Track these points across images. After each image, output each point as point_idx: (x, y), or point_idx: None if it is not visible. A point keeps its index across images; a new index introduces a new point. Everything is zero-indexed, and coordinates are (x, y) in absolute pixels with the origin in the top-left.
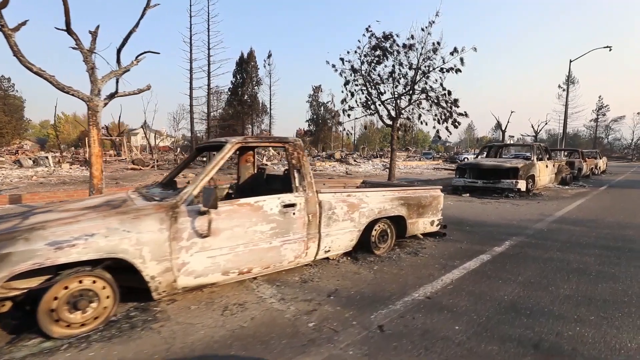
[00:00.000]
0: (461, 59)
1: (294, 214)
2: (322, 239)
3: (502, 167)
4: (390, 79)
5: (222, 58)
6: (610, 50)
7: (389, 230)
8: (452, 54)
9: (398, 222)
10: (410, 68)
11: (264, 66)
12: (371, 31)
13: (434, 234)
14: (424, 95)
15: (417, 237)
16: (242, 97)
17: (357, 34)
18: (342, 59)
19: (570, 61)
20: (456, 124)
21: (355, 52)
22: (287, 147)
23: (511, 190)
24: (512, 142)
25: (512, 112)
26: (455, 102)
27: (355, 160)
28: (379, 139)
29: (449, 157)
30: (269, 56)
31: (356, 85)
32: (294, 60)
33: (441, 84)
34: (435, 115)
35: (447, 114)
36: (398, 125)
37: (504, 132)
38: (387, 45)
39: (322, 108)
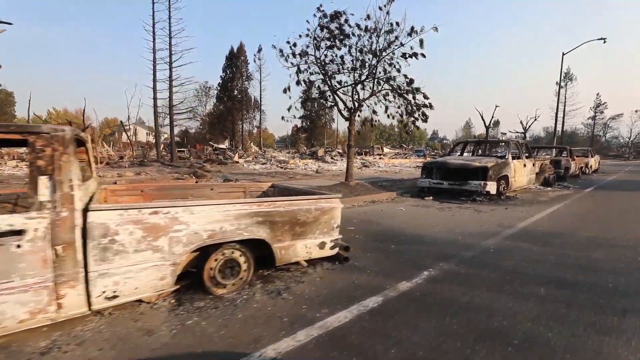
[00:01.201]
0: (420, 41)
1: (18, 246)
2: (93, 280)
3: (469, 166)
4: (341, 66)
5: (186, 48)
6: (604, 42)
7: (242, 260)
8: (410, 34)
9: (261, 247)
10: (363, 52)
11: (254, 61)
12: (323, 10)
13: (332, 258)
14: (387, 86)
15: (309, 263)
16: (231, 93)
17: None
18: (289, 43)
19: (563, 54)
20: (422, 117)
21: (307, 35)
22: (32, 142)
23: (479, 194)
24: (518, 140)
25: (496, 106)
26: (416, 92)
27: (333, 158)
28: (375, 136)
29: (443, 154)
30: (259, 50)
31: (311, 74)
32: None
33: (398, 70)
34: (399, 107)
35: (412, 106)
36: (358, 118)
37: (487, 128)
38: (335, 26)
39: (315, 104)
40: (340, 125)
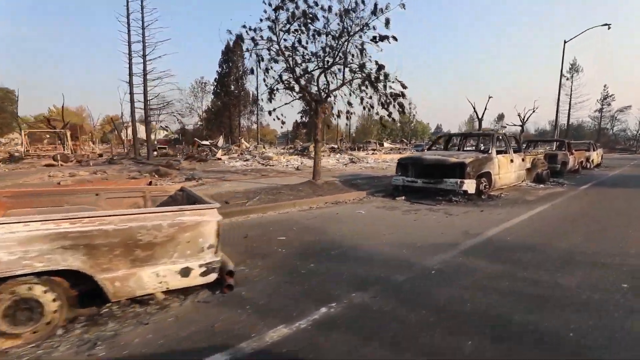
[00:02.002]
0: (386, 21)
1: None
2: None
3: (445, 162)
4: (304, 51)
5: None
6: (609, 28)
7: (48, 298)
8: (374, 13)
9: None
10: (326, 35)
11: (250, 55)
12: None
13: (216, 285)
14: (357, 75)
15: (182, 292)
16: (228, 88)
17: None
18: (246, 27)
19: (565, 42)
20: (398, 108)
21: (268, 18)
22: None
23: (456, 193)
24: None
25: (489, 97)
26: (386, 79)
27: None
28: (377, 131)
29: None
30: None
31: (274, 61)
32: None
33: (360, 51)
34: (370, 97)
35: (386, 96)
36: (333, 111)
37: (480, 120)
38: (294, 6)
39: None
40: (341, 120)
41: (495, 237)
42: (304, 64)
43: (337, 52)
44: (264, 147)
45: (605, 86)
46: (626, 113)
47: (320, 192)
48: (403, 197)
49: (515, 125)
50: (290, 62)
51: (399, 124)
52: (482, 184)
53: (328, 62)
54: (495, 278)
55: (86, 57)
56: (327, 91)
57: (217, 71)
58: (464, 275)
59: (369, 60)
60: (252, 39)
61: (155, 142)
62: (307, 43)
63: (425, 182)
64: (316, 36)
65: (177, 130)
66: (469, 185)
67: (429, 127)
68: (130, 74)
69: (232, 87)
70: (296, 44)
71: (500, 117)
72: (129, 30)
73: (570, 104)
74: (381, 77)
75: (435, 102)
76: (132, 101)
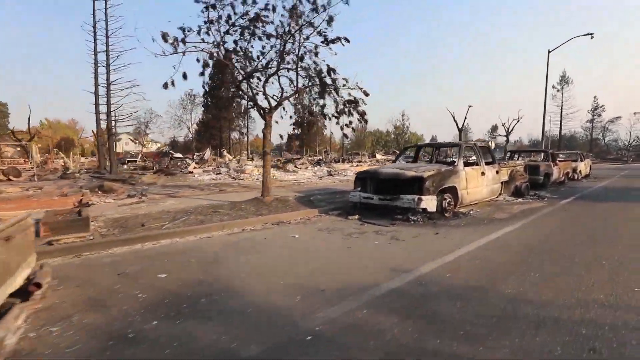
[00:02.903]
0: (329, 19)
1: None
2: None
3: (402, 176)
4: (246, 54)
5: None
6: (592, 37)
7: None
8: (315, 10)
9: None
10: (267, 37)
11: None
12: None
13: None
14: (309, 82)
15: None
16: (218, 100)
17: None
18: (183, 28)
19: (549, 51)
20: (358, 117)
21: (206, 22)
22: None
23: (415, 211)
24: (493, 144)
25: (469, 106)
26: (334, 82)
27: (296, 167)
28: (371, 142)
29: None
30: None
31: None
32: None
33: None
34: (324, 105)
35: (340, 103)
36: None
37: (460, 130)
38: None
39: (307, 111)
40: (335, 132)
41: (429, 275)
42: (249, 68)
43: (281, 56)
44: (252, 159)
45: (595, 97)
46: (617, 123)
47: (263, 212)
48: (356, 216)
49: (500, 135)
50: (230, 65)
51: (393, 136)
52: (445, 200)
53: (272, 67)
54: (391, 350)
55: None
56: (277, 99)
57: (207, 83)
58: (349, 343)
59: (315, 63)
60: (182, 40)
61: (125, 154)
62: (247, 44)
63: (382, 199)
64: (255, 37)
65: (167, 143)
66: (428, 202)
67: (423, 138)
68: (96, 84)
69: (222, 98)
70: (237, 47)
71: (494, 128)
72: (95, 39)
73: (561, 114)
74: (338, 83)
75: (429, 114)
76: (97, 112)
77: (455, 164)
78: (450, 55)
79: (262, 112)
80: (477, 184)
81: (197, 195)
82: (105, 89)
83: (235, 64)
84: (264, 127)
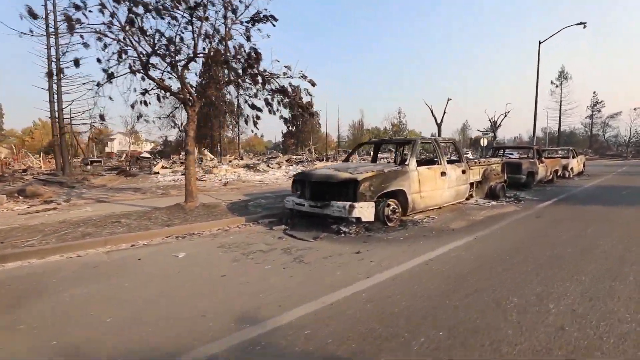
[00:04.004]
0: None
1: None
2: None
3: (334, 178)
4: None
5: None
6: (585, 27)
7: None
8: None
9: None
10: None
11: (284, 73)
12: None
13: None
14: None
15: None
16: (208, 99)
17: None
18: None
19: (540, 42)
20: (298, 110)
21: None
22: None
23: (348, 222)
24: (485, 140)
25: (449, 99)
26: (259, 72)
27: (269, 166)
28: (368, 139)
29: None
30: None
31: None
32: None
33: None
34: (255, 95)
35: (276, 93)
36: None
37: (439, 125)
38: None
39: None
40: (330, 129)
41: (284, 328)
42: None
43: (197, 37)
44: (241, 158)
45: (594, 93)
46: (617, 119)
47: (175, 221)
48: (283, 227)
49: (488, 131)
50: (130, 43)
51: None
52: (389, 207)
53: (184, 50)
54: None
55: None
56: (200, 89)
57: (196, 82)
58: None
59: (240, 48)
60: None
61: (89, 155)
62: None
63: (312, 206)
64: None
65: (159, 143)
66: (363, 211)
67: (420, 135)
68: (50, 79)
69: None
70: (138, 24)
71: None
72: (47, 31)
73: (560, 110)
74: (273, 71)
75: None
76: (52, 110)
77: (406, 163)
78: (448, 51)
79: (188, 104)
80: (436, 186)
81: (131, 199)
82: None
83: (140, 45)
84: (186, 121)
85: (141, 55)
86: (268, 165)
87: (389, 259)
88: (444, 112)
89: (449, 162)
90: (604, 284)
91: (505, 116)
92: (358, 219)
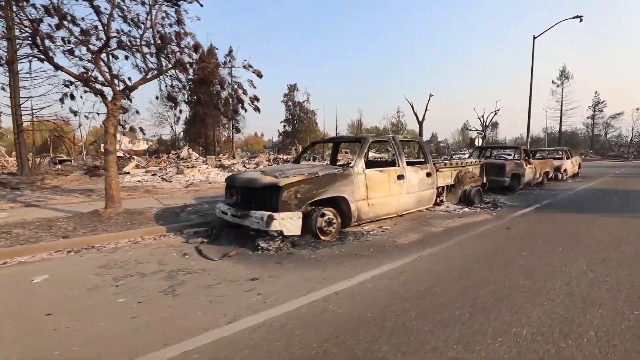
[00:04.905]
0: None
1: None
2: None
3: (256, 183)
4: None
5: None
6: (581, 20)
7: None
8: None
9: None
10: None
11: (225, 63)
12: None
13: None
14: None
15: None
16: (202, 97)
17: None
18: None
19: (534, 37)
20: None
21: None
22: None
23: (270, 236)
24: (479, 140)
25: (430, 95)
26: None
27: (245, 166)
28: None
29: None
30: (230, 52)
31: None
32: (272, 58)
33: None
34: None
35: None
36: (120, 107)
37: (421, 123)
38: None
39: (297, 107)
40: (328, 128)
41: None
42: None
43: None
44: (232, 157)
45: (596, 92)
46: (619, 119)
47: (79, 231)
48: (199, 240)
49: (476, 130)
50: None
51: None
52: (324, 217)
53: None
54: None
55: None
56: (120, 80)
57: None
58: None
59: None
60: None
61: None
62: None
63: (234, 215)
64: None
65: (155, 142)
66: (286, 223)
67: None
68: (11, 73)
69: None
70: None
71: (494, 125)
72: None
73: (561, 110)
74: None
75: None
76: (12, 105)
77: (351, 164)
78: (449, 50)
79: (105, 96)
80: (390, 191)
81: (64, 203)
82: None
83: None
84: (106, 117)
85: (40, 37)
86: (244, 165)
87: (286, 291)
88: (426, 110)
89: (413, 163)
90: (551, 345)
91: (496, 114)
92: (280, 233)
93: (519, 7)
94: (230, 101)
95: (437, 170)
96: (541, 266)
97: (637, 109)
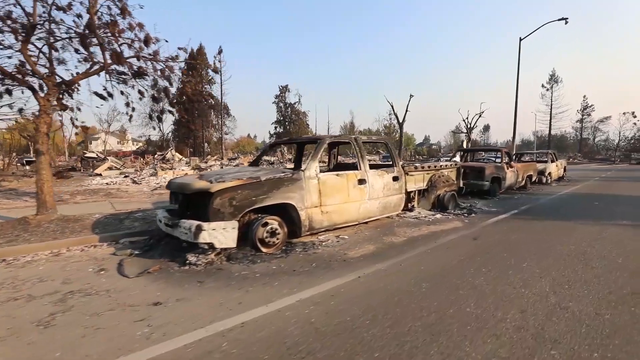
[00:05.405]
0: None
1: None
2: None
3: (188, 188)
4: None
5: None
6: (566, 23)
7: None
8: None
9: None
10: None
11: (214, 63)
12: None
13: None
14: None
15: None
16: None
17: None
18: None
19: (520, 39)
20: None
21: None
22: None
23: (202, 250)
24: (466, 143)
25: (411, 96)
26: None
27: (222, 168)
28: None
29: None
30: (220, 52)
31: None
32: (261, 59)
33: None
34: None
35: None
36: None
37: (401, 124)
38: None
39: (289, 109)
40: (320, 129)
41: None
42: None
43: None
44: (221, 159)
45: (584, 97)
46: (606, 123)
47: None
48: (129, 252)
49: (460, 132)
50: None
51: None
52: (266, 226)
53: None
54: None
55: None
56: (66, 82)
57: (178, 80)
58: None
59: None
60: None
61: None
62: None
63: (166, 224)
64: None
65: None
66: (217, 234)
67: (413, 138)
68: None
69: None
70: None
71: (486, 128)
72: None
73: (551, 114)
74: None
75: (423, 113)
76: None
77: (302, 168)
78: (443, 51)
79: (36, 90)
80: (349, 197)
81: (7, 208)
82: None
83: None
84: (38, 114)
85: None
86: (221, 167)
87: (184, 322)
88: (406, 110)
89: (377, 167)
90: None
91: (480, 116)
92: (210, 245)
93: (514, 10)
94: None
95: (406, 174)
96: (498, 287)
97: (624, 114)
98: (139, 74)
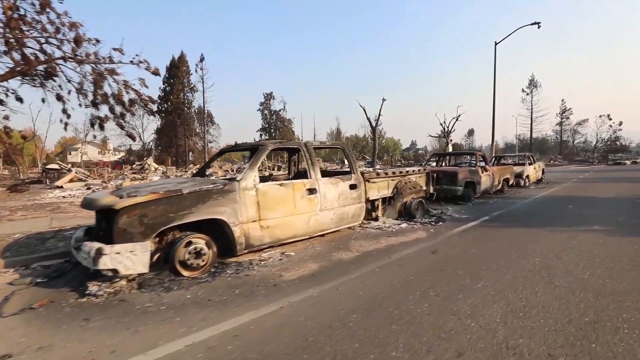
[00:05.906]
0: None
1: None
2: None
3: (93, 205)
4: None
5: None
6: (539, 27)
7: None
8: None
9: None
10: None
11: (196, 71)
12: None
13: None
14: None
15: None
16: (173, 107)
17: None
18: None
19: (496, 43)
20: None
21: None
22: None
23: (107, 276)
24: (450, 147)
25: (383, 99)
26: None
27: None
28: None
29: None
30: (202, 60)
31: None
32: (245, 65)
33: None
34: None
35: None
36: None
37: (374, 128)
38: None
39: (274, 116)
40: (306, 136)
41: None
42: None
43: None
44: (168, 169)
45: (562, 100)
46: (584, 126)
47: None
48: (29, 280)
49: (437, 136)
50: None
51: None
52: (189, 246)
53: None
54: None
55: None
56: None
57: (160, 88)
58: None
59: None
60: None
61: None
62: None
63: (73, 246)
64: None
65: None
66: (122, 258)
67: (400, 143)
68: None
69: (177, 105)
70: None
71: (471, 132)
72: None
73: (531, 117)
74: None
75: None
76: None
77: (237, 178)
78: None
79: None
80: (295, 209)
81: None
82: None
83: None
84: None
85: None
86: (166, 177)
87: None
88: (379, 114)
89: (333, 174)
90: None
91: (457, 120)
92: (115, 272)
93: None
94: (112, 101)
95: (367, 181)
96: (440, 319)
97: (600, 116)
98: (49, 75)
